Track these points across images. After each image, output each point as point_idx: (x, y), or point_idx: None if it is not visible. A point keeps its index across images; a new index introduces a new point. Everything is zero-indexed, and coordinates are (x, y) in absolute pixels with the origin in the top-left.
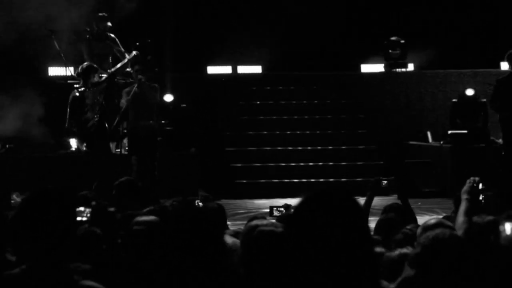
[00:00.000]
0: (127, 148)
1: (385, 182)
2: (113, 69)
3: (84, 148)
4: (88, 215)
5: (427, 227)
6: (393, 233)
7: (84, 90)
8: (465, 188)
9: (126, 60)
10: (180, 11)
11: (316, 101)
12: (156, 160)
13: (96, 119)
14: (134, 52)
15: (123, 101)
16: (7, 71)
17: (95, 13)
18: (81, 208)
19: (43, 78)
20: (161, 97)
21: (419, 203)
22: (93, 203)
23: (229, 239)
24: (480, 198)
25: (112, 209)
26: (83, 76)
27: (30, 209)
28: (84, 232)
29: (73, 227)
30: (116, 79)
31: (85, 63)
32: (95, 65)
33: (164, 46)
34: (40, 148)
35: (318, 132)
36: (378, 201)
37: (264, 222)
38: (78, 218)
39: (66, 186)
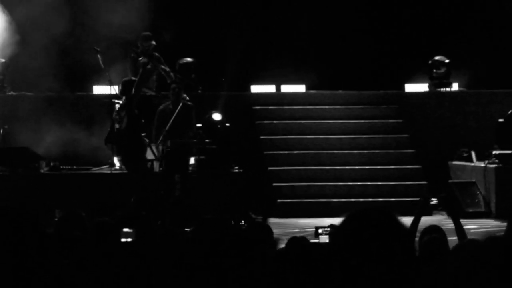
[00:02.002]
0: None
1: (434, 200)
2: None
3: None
4: (133, 235)
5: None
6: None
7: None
8: None
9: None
10: (224, 29)
11: (360, 121)
12: (188, 178)
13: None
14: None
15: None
16: (52, 89)
17: (140, 32)
18: (126, 229)
19: (88, 96)
20: (210, 115)
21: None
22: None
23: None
24: None
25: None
26: (125, 90)
27: None
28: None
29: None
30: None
31: (125, 78)
32: (133, 78)
33: (221, 66)
34: (85, 166)
35: (362, 151)
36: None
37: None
38: (123, 239)
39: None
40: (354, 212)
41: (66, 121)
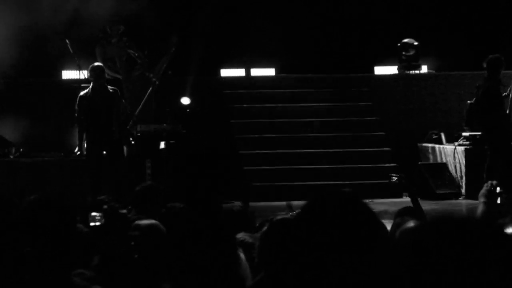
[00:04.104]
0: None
1: (394, 178)
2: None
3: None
4: (101, 219)
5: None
6: None
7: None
8: (483, 191)
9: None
10: (194, 13)
11: (329, 104)
12: (159, 164)
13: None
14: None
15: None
16: (20, 74)
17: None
18: (94, 213)
19: (57, 81)
20: (178, 99)
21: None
22: (105, 206)
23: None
24: (498, 201)
25: (124, 211)
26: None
27: (29, 215)
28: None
29: (72, 234)
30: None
31: (96, 64)
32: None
33: (187, 49)
34: (53, 152)
35: (332, 134)
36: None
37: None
38: (92, 223)
39: (64, 192)
40: (315, 197)
41: (35, 106)
